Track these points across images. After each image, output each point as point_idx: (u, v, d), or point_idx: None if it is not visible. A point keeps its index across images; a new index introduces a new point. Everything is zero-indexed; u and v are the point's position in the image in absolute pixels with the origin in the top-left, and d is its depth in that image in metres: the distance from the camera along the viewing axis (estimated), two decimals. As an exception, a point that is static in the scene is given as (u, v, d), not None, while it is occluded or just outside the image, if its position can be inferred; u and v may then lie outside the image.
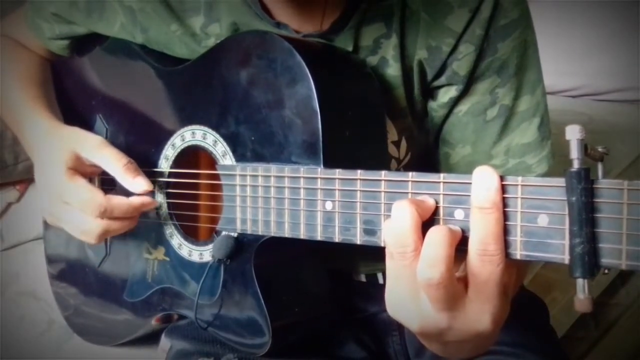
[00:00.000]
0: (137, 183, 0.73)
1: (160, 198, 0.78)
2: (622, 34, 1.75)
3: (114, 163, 0.72)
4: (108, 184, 0.79)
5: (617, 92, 1.82)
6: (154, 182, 0.78)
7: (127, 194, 0.74)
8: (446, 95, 0.74)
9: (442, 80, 0.74)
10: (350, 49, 0.71)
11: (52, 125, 0.79)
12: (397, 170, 0.78)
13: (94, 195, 0.71)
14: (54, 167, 0.73)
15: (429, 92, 0.76)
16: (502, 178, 0.45)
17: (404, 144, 0.78)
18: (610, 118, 1.63)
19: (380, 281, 0.86)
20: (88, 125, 0.88)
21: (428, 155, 0.82)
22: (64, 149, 0.74)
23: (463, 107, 0.75)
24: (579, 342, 1.46)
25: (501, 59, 0.72)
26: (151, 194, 0.77)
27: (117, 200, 0.72)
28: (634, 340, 1.49)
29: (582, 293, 0.41)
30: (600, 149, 0.42)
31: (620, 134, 1.51)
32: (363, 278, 0.86)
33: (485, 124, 0.74)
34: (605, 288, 1.47)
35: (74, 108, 0.92)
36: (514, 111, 0.74)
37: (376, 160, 0.68)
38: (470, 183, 0.46)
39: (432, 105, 0.76)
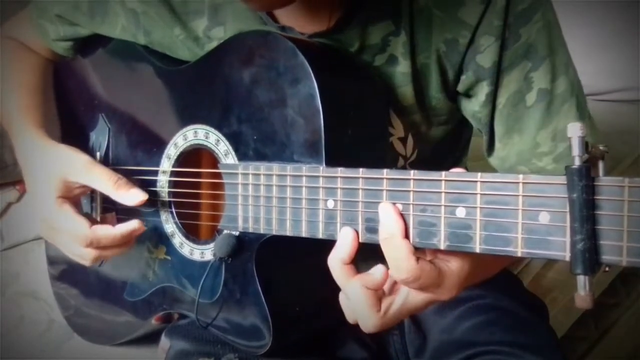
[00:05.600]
0: (132, 195, 0.74)
1: (161, 197, 0.78)
2: (622, 34, 1.75)
3: (105, 182, 0.74)
4: (109, 203, 0.80)
5: (617, 92, 1.81)
6: (155, 182, 0.78)
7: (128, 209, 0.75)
8: (482, 92, 0.72)
9: (470, 76, 0.72)
10: (356, 47, 0.71)
11: (40, 145, 0.80)
12: (403, 167, 0.78)
13: (80, 226, 0.72)
14: (44, 194, 0.74)
15: (464, 94, 0.75)
16: (500, 175, 0.46)
17: (410, 140, 0.77)
18: (610, 118, 1.62)
19: (381, 281, 0.86)
20: (91, 125, 0.88)
21: (436, 152, 0.82)
22: (53, 175, 0.75)
23: (501, 99, 0.73)
24: (579, 342, 1.46)
25: (527, 43, 0.70)
26: (151, 193, 0.77)
27: (103, 232, 0.73)
28: (634, 340, 1.49)
29: (582, 290, 0.41)
30: (601, 147, 0.42)
31: (620, 134, 1.50)
32: (363, 278, 0.86)
33: (527, 111, 0.72)
34: (605, 288, 1.47)
35: (77, 108, 0.92)
36: (554, 94, 0.72)
37: (378, 159, 0.68)
38: (472, 181, 0.46)
39: (473, 107, 0.74)
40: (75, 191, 0.76)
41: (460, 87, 0.74)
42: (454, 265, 0.54)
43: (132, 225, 0.74)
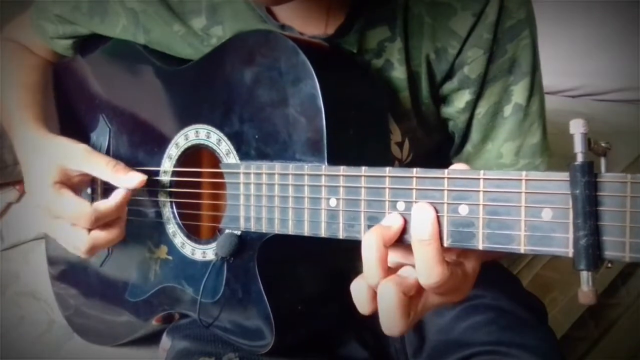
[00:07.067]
0: (131, 177, 0.74)
1: (163, 197, 0.78)
2: (622, 34, 1.76)
3: (103, 167, 0.74)
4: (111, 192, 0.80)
5: (617, 92, 1.82)
6: (156, 182, 0.78)
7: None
8: (462, 100, 0.75)
9: (455, 83, 0.74)
10: (355, 51, 0.72)
11: (38, 137, 0.80)
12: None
13: (82, 206, 0.72)
14: (41, 183, 0.74)
15: (443, 98, 0.77)
16: (505, 173, 0.46)
17: (406, 145, 0.78)
18: (610, 118, 1.63)
19: (382, 280, 0.86)
20: (91, 126, 0.88)
21: (430, 155, 0.83)
22: (50, 164, 0.74)
23: (482, 110, 0.76)
24: (579, 342, 1.46)
25: (512, 58, 0.73)
26: (152, 193, 0.77)
27: (104, 205, 0.72)
28: (634, 340, 1.50)
29: (586, 285, 0.41)
30: (603, 144, 0.43)
31: (620, 134, 1.51)
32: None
33: (503, 121, 0.75)
34: (605, 288, 1.47)
35: (78, 108, 0.92)
36: (527, 111, 0.75)
37: (379, 159, 0.68)
38: (475, 178, 0.46)
39: (451, 111, 0.77)
40: (74, 179, 0.76)
41: (443, 91, 0.76)
42: (470, 268, 0.52)
43: (120, 192, 0.73)
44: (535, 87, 0.75)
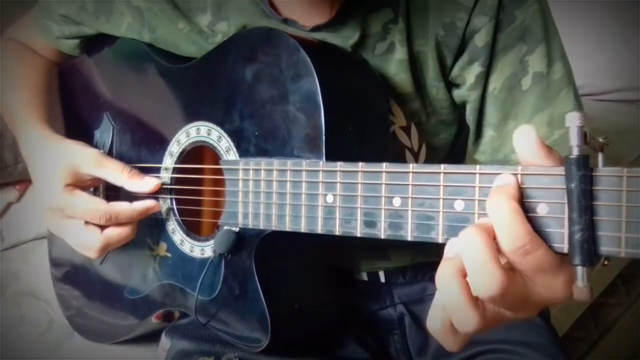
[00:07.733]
0: (147, 182, 0.75)
1: (163, 194, 0.78)
2: (622, 34, 1.76)
3: (118, 174, 0.75)
4: (113, 190, 0.80)
5: (617, 92, 1.82)
6: (157, 178, 0.78)
7: (133, 198, 0.76)
8: (471, 74, 0.73)
9: (465, 58, 0.72)
10: (358, 36, 0.72)
11: (44, 137, 0.80)
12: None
13: (97, 204, 0.73)
14: (52, 186, 0.75)
15: (453, 80, 0.75)
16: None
17: (414, 131, 0.77)
18: (610, 118, 1.63)
19: (382, 279, 0.86)
20: (95, 124, 0.89)
21: (446, 148, 0.82)
22: (61, 167, 0.75)
23: (497, 84, 0.73)
24: (579, 342, 1.46)
25: (522, 25, 0.70)
26: (155, 192, 0.77)
27: (121, 207, 0.74)
28: (634, 340, 1.49)
29: (581, 281, 0.41)
30: (600, 140, 0.42)
31: (620, 134, 1.50)
32: (365, 277, 0.86)
33: (522, 95, 0.72)
34: (605, 288, 1.47)
35: (82, 107, 0.92)
36: (550, 79, 0.72)
37: (379, 155, 0.68)
38: (471, 173, 0.46)
39: (462, 92, 0.74)
40: (86, 183, 0.77)
41: (454, 72, 0.74)
42: (538, 287, 0.45)
43: (149, 202, 0.75)
44: (553, 54, 0.72)
